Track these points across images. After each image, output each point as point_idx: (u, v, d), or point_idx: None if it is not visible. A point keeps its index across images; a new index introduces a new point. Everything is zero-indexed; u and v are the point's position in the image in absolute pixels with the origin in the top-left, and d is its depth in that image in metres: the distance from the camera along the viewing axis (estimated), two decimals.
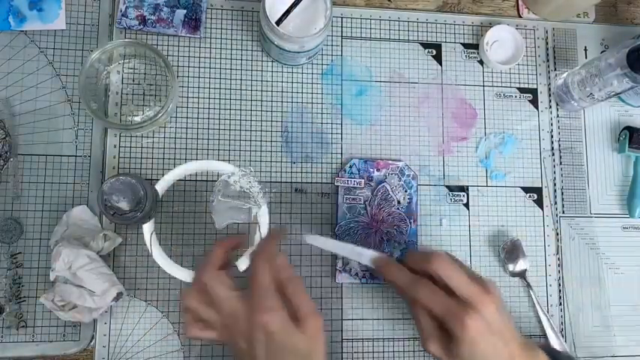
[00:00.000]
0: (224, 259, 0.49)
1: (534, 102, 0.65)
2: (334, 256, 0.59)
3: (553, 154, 0.65)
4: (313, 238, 0.54)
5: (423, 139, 0.63)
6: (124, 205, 0.51)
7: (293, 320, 0.44)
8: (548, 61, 0.67)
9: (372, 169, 0.60)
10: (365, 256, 0.52)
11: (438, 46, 0.65)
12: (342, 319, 0.58)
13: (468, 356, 0.45)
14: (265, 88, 0.61)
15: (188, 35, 0.60)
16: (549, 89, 0.66)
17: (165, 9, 0.60)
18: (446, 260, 0.47)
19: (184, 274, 0.56)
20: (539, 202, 0.63)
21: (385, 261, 0.51)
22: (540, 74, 0.66)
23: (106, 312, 0.54)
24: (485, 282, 0.47)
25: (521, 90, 0.65)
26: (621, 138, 0.65)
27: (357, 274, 0.58)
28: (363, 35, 0.64)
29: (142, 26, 0.59)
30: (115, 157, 0.57)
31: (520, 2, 0.68)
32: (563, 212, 0.64)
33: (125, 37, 0.59)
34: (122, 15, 0.59)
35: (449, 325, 0.45)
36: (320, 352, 0.45)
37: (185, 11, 0.60)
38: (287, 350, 0.43)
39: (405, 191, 0.60)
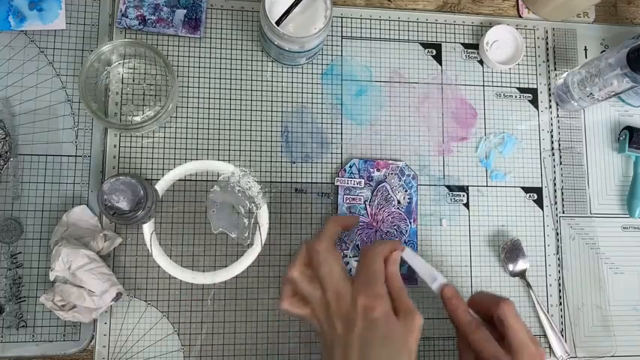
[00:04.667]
0: (337, 236, 0.49)
1: (534, 102, 0.65)
2: None
3: (553, 154, 0.65)
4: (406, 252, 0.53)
5: (423, 139, 0.63)
6: (124, 205, 0.51)
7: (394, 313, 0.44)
8: (548, 61, 0.67)
9: (372, 169, 0.60)
10: (437, 281, 0.51)
11: (438, 46, 0.65)
12: None
13: None
14: (265, 88, 0.61)
15: (188, 35, 0.60)
16: (549, 89, 0.66)
17: (165, 9, 0.60)
18: (514, 309, 0.48)
19: (184, 274, 0.56)
20: (539, 202, 0.63)
21: (454, 293, 0.50)
22: (540, 74, 0.66)
23: (106, 312, 0.55)
24: (537, 342, 0.48)
25: (521, 90, 0.65)
26: (621, 138, 0.65)
27: None
28: (363, 35, 0.64)
29: (142, 26, 0.59)
30: (115, 157, 0.57)
31: (520, 2, 0.68)
32: (563, 212, 0.64)
33: (125, 37, 0.59)
34: (122, 15, 0.59)
35: None
36: (414, 349, 0.44)
37: (185, 11, 0.60)
38: (384, 340, 0.43)
39: (405, 191, 0.60)
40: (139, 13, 0.59)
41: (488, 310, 0.49)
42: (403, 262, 0.52)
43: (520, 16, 0.67)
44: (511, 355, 0.46)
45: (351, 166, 0.60)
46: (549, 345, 0.60)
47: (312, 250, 0.48)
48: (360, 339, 0.43)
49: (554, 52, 0.67)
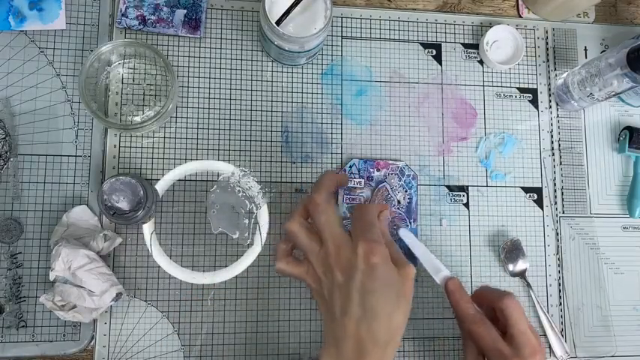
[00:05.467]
0: (333, 191, 0.50)
1: (534, 102, 0.65)
2: None
3: (553, 154, 0.65)
4: (405, 233, 0.55)
5: (423, 139, 0.63)
6: (124, 205, 0.51)
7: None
8: (548, 61, 0.67)
9: (372, 169, 0.60)
10: (441, 273, 0.52)
11: (438, 46, 0.65)
12: None
13: None
14: (265, 88, 0.61)
15: (188, 35, 0.60)
16: (549, 89, 0.66)
17: (165, 9, 0.60)
18: (517, 302, 0.49)
19: (184, 274, 0.56)
20: (539, 202, 0.63)
21: (457, 286, 0.51)
22: (540, 74, 0.66)
23: (106, 312, 0.55)
24: (538, 336, 0.49)
25: (521, 90, 0.65)
26: (621, 138, 0.65)
27: None
28: (363, 35, 0.64)
29: (142, 26, 0.59)
30: (115, 157, 0.57)
31: (520, 2, 0.68)
32: (563, 212, 0.64)
33: (125, 37, 0.59)
34: (122, 15, 0.59)
35: None
36: (410, 298, 0.46)
37: (185, 11, 0.60)
38: (385, 284, 0.44)
39: (405, 191, 0.60)
40: (139, 13, 0.59)
41: (492, 303, 0.49)
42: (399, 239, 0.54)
43: (520, 16, 0.67)
44: (512, 348, 0.46)
45: (351, 166, 0.60)
46: (549, 345, 0.60)
47: (310, 203, 0.48)
48: (361, 285, 0.43)
49: (554, 52, 0.67)
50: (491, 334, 0.48)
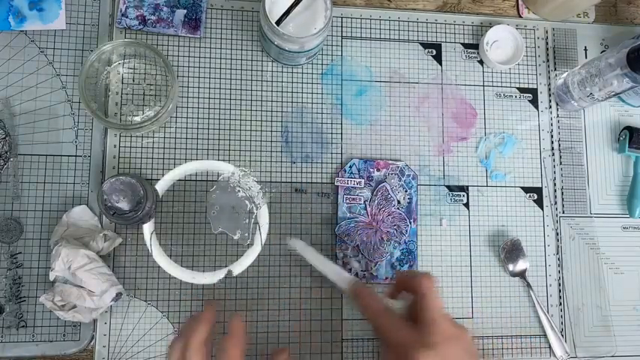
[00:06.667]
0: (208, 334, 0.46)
1: (534, 102, 0.65)
2: (335, 257, 0.58)
3: (553, 154, 0.65)
4: (296, 243, 0.54)
5: (423, 139, 0.63)
6: (124, 205, 0.51)
7: None
8: (548, 61, 0.67)
9: (372, 169, 0.60)
10: (343, 278, 0.50)
11: (438, 46, 0.65)
12: (342, 319, 0.58)
13: None
14: (265, 88, 0.61)
15: (188, 35, 0.60)
16: (549, 89, 0.66)
17: (165, 9, 0.60)
18: (430, 282, 0.45)
19: (184, 274, 0.56)
20: (539, 202, 0.63)
21: (361, 285, 0.49)
22: (540, 74, 0.66)
23: (106, 312, 0.55)
24: (460, 325, 0.45)
25: (521, 90, 0.65)
26: (621, 138, 0.65)
27: (357, 274, 0.58)
28: (363, 35, 0.64)
29: (142, 26, 0.59)
30: (115, 157, 0.57)
31: (520, 2, 0.68)
32: (563, 212, 0.64)
33: (125, 37, 0.59)
34: (122, 15, 0.59)
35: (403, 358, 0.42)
36: None
37: (185, 11, 0.60)
38: None
39: (405, 191, 0.60)
40: (138, 13, 0.59)
41: (408, 286, 0.46)
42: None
43: (520, 16, 0.67)
44: (419, 334, 0.42)
45: (351, 166, 0.60)
46: (549, 345, 0.60)
47: (181, 354, 0.44)
48: None
49: (554, 52, 0.67)
50: (394, 322, 0.44)
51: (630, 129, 0.64)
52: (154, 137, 0.58)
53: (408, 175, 0.61)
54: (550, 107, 0.66)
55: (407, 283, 0.47)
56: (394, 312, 0.46)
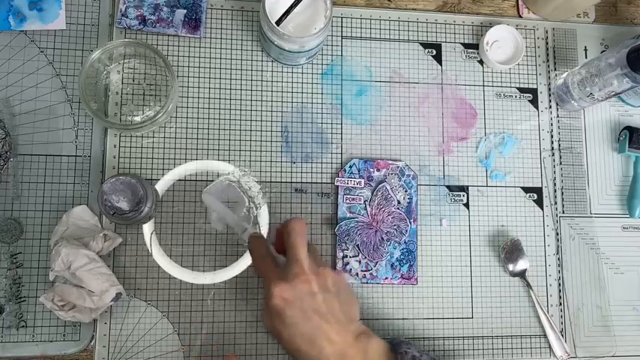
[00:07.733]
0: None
1: (534, 102, 0.65)
2: (334, 257, 0.59)
3: (553, 154, 0.65)
4: (206, 198, 0.55)
5: (423, 139, 0.63)
6: (124, 205, 0.51)
7: None
8: (548, 61, 0.67)
9: (372, 169, 0.60)
10: (247, 231, 0.53)
11: (438, 46, 0.65)
12: None
13: (279, 327, 0.45)
14: (265, 88, 0.61)
15: (188, 35, 0.60)
16: (549, 89, 0.66)
17: (165, 9, 0.60)
18: (298, 225, 0.48)
19: (184, 274, 0.56)
20: (539, 202, 0.63)
21: (256, 235, 0.52)
22: (540, 74, 0.66)
23: (106, 312, 0.55)
24: (323, 263, 0.49)
25: (521, 90, 0.65)
26: (621, 138, 0.65)
27: (357, 274, 0.58)
28: (363, 35, 0.64)
29: (142, 26, 0.59)
30: (115, 157, 0.57)
31: (520, 2, 0.68)
32: (563, 212, 0.64)
33: (125, 37, 0.59)
34: (122, 15, 0.59)
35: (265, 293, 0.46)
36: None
37: (185, 11, 0.60)
38: None
39: (405, 191, 0.60)
40: (138, 13, 0.59)
41: (283, 230, 0.49)
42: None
43: (520, 16, 0.67)
44: (282, 271, 0.46)
45: (351, 166, 0.60)
46: (549, 345, 0.60)
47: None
48: None
49: (554, 52, 0.67)
50: (267, 262, 0.48)
51: (630, 129, 0.64)
52: (153, 137, 0.58)
53: (408, 175, 0.61)
54: (550, 107, 0.66)
55: (280, 230, 0.50)
56: (273, 256, 0.49)
